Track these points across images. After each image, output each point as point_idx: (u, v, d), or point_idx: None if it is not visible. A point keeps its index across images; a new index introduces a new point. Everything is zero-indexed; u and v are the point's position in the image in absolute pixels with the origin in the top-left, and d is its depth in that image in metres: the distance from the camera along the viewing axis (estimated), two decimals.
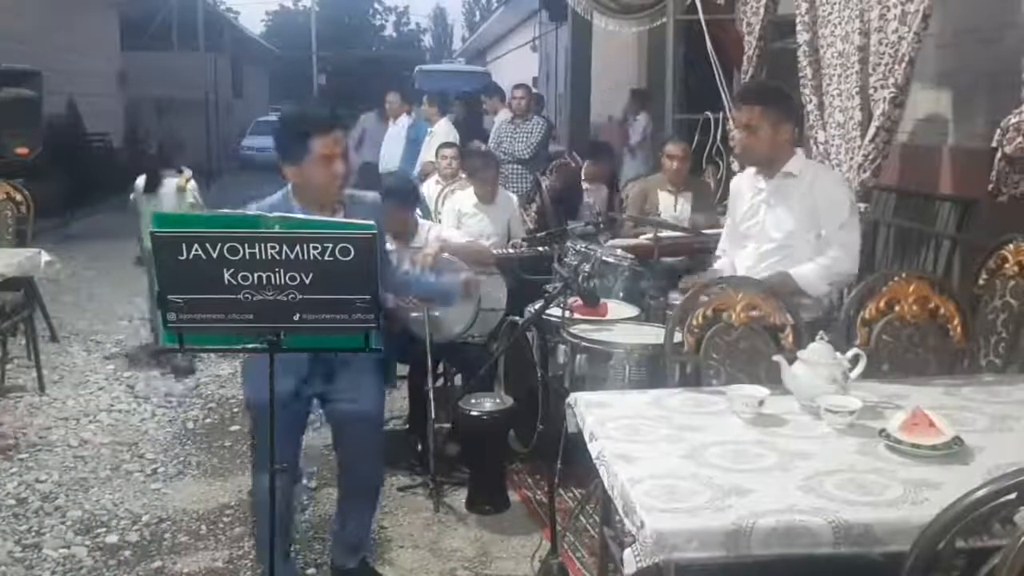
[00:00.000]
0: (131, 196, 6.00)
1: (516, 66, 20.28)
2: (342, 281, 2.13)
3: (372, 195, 2.89)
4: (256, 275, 2.10)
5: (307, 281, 2.11)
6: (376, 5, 46.91)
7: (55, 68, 11.41)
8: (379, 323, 2.21)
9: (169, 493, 3.91)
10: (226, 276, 2.09)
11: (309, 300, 2.13)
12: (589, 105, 10.82)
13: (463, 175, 5.76)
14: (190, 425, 4.74)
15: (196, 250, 2.06)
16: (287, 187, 2.72)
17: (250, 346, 2.25)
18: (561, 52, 14.58)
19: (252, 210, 2.67)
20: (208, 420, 4.82)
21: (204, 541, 3.50)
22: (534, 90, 13.46)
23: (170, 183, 5.81)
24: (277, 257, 2.09)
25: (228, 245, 2.07)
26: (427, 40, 52.50)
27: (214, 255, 2.07)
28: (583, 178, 6.54)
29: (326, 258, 2.10)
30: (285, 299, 2.12)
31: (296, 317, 2.15)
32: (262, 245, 2.08)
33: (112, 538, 3.48)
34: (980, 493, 1.60)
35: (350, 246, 2.11)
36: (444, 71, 21.96)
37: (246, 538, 3.48)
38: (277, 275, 2.10)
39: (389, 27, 48.61)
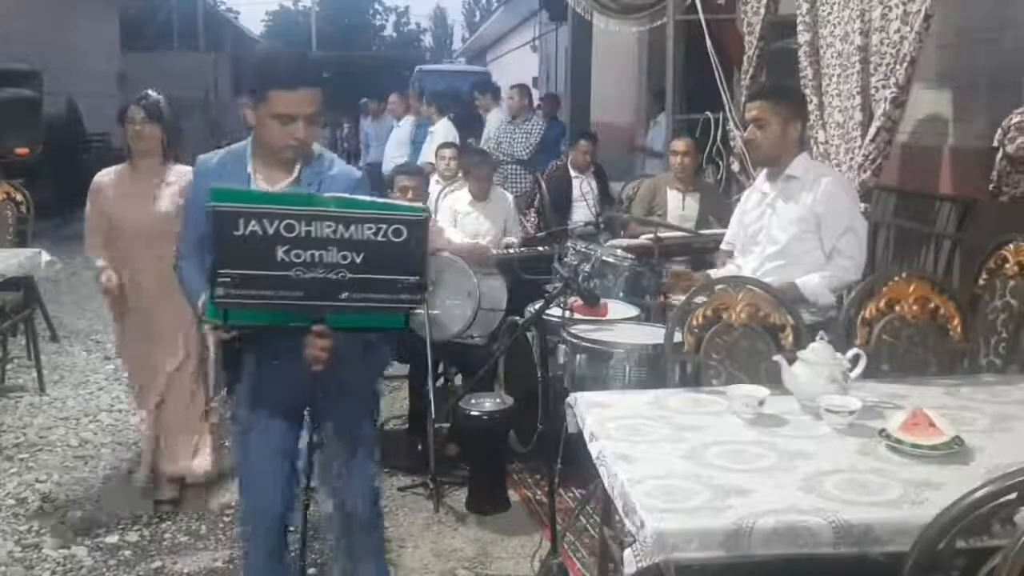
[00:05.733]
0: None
1: (516, 66, 20.26)
2: (391, 261, 2.12)
3: (351, 170, 2.62)
4: (309, 253, 2.08)
5: (358, 260, 2.11)
6: (376, 5, 46.85)
7: (55, 68, 11.41)
8: (419, 301, 2.19)
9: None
10: (279, 253, 2.07)
11: (357, 279, 2.12)
12: (589, 105, 10.81)
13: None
14: None
15: (253, 225, 2.04)
16: (250, 138, 2.46)
17: (294, 324, 2.21)
18: (561, 52, 14.55)
19: (209, 160, 2.50)
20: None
21: (204, 541, 3.50)
22: (539, 92, 13.52)
23: None
24: (332, 236, 2.08)
25: (286, 222, 2.05)
26: (427, 40, 52.47)
27: (270, 231, 2.05)
28: (570, 167, 6.51)
29: (379, 238, 2.10)
30: (335, 277, 2.11)
31: (343, 296, 2.13)
32: (319, 223, 2.07)
33: (112, 538, 3.48)
34: (980, 493, 1.60)
35: (403, 227, 2.11)
36: (444, 71, 21.96)
37: None
38: (329, 253, 2.09)
39: (389, 27, 48.56)
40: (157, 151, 3.64)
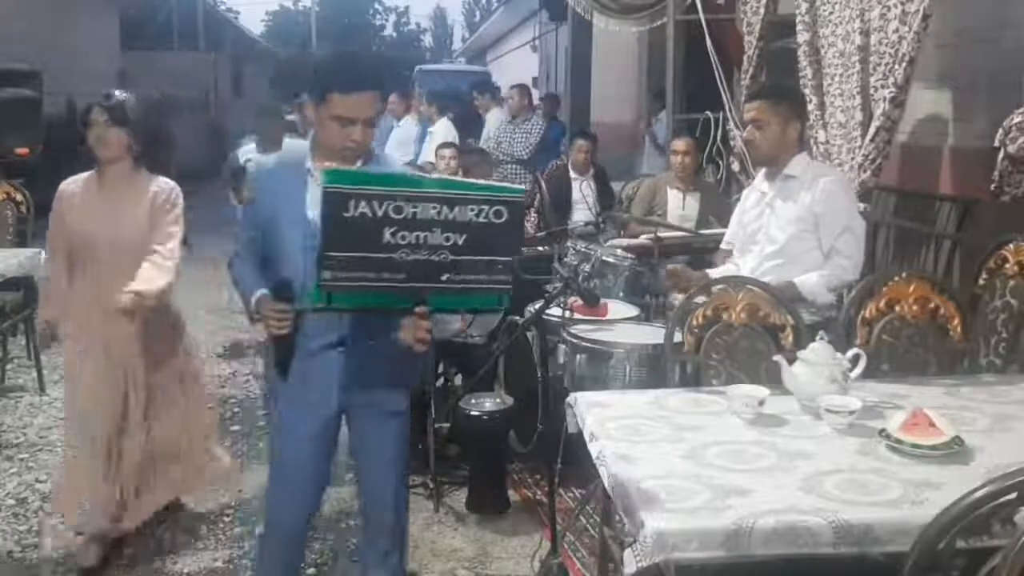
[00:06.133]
0: (242, 160, 5.46)
1: (516, 66, 20.29)
2: (491, 243, 2.14)
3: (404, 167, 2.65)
4: (414, 235, 2.08)
5: (460, 242, 2.11)
6: (376, 5, 46.89)
7: (55, 68, 11.41)
8: (512, 284, 2.21)
9: None
10: (386, 235, 2.06)
11: (458, 261, 2.13)
12: (589, 105, 10.82)
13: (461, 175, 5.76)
14: None
15: (363, 207, 2.04)
16: (310, 135, 2.48)
17: (397, 307, 2.21)
18: (561, 52, 14.57)
19: (267, 161, 2.57)
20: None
21: (204, 541, 3.50)
22: (539, 92, 13.52)
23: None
24: (437, 217, 2.08)
25: (394, 204, 2.05)
26: (427, 40, 52.53)
27: (379, 213, 2.04)
28: (570, 168, 6.49)
29: (480, 220, 2.11)
30: (437, 259, 2.11)
31: (444, 278, 2.14)
32: (425, 205, 2.07)
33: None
34: (980, 493, 1.60)
35: (504, 208, 2.12)
36: (444, 71, 21.97)
37: (246, 538, 3.48)
38: (433, 235, 2.10)
39: (389, 27, 48.60)
40: (125, 158, 3.21)
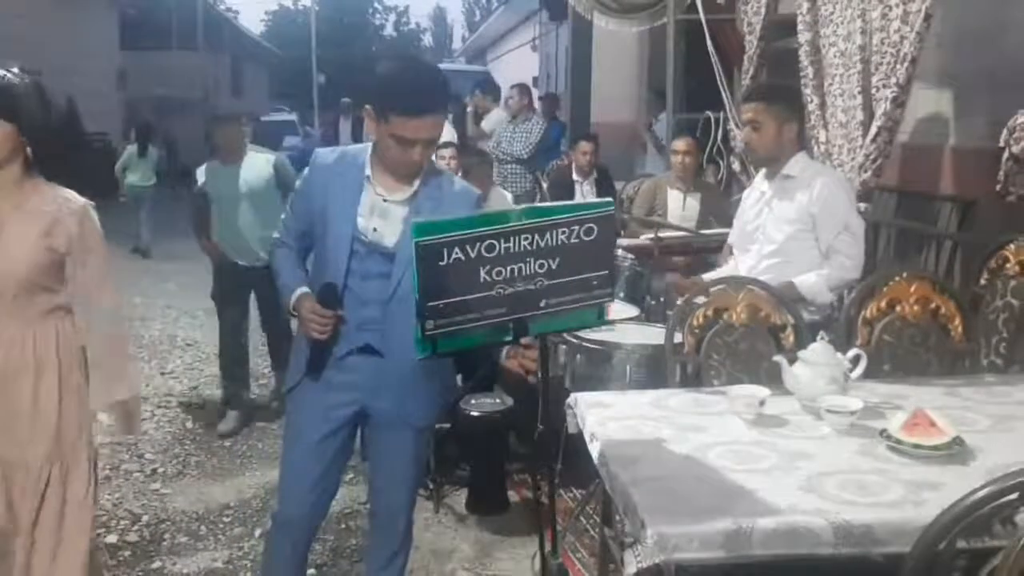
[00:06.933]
0: (200, 182, 4.82)
1: (516, 66, 20.27)
2: (584, 261, 2.13)
3: (471, 188, 2.57)
4: (509, 268, 2.07)
5: (554, 266, 2.10)
6: (376, 5, 46.87)
7: (55, 68, 11.41)
8: (614, 296, 2.19)
9: (169, 493, 3.91)
10: (482, 274, 2.05)
11: (555, 284, 2.12)
12: (589, 105, 10.80)
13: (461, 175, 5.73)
14: (190, 425, 4.74)
15: (457, 253, 2.02)
16: (370, 145, 2.41)
17: (501, 341, 2.20)
18: (561, 52, 14.56)
19: (326, 155, 2.46)
20: (208, 420, 4.82)
21: (204, 541, 3.50)
22: (539, 92, 13.51)
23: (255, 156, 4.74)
24: (529, 247, 2.08)
25: (486, 243, 2.04)
26: (427, 40, 52.53)
27: (473, 255, 2.03)
28: (573, 171, 6.45)
29: (572, 240, 2.10)
30: (534, 287, 2.10)
31: (543, 304, 2.13)
32: (517, 238, 2.06)
33: (112, 538, 3.48)
34: (981, 493, 1.59)
35: (594, 225, 2.10)
36: (444, 71, 21.93)
37: (246, 538, 3.48)
38: (528, 265, 2.09)
39: (389, 27, 48.59)
40: (12, 161, 2.29)
